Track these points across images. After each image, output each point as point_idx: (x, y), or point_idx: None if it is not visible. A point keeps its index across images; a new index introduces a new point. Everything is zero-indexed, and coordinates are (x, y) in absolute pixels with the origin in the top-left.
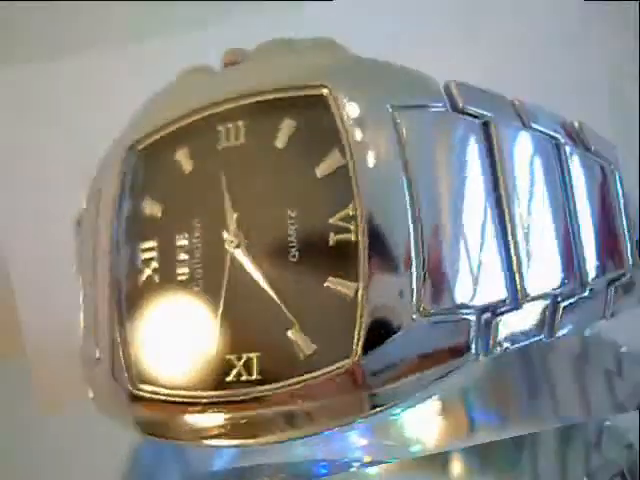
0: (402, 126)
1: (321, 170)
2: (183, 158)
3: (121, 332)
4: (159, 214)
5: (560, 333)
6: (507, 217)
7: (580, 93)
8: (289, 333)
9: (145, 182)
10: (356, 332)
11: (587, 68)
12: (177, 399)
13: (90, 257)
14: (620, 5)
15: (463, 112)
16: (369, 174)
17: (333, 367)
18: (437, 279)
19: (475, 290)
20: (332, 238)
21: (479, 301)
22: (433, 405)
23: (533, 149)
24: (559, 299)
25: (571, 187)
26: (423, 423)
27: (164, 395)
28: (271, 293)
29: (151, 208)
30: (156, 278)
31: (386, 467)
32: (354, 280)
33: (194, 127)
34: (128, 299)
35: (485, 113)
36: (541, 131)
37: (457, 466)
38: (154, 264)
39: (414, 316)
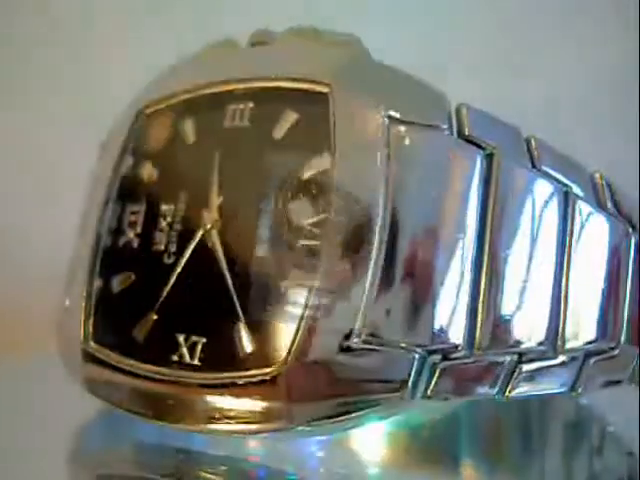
0: (395, 141)
1: (306, 170)
2: (188, 129)
3: (88, 287)
4: (154, 180)
5: (514, 394)
6: (486, 257)
7: (579, 93)
8: (235, 327)
9: (148, 147)
10: (294, 343)
11: (587, 68)
12: (124, 367)
13: (86, 207)
14: (620, 4)
15: (467, 140)
16: (348, 185)
17: (261, 371)
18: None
19: (430, 330)
20: (300, 242)
21: (431, 341)
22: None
23: (535, 192)
24: (523, 359)
25: (569, 243)
26: (393, 450)
27: (113, 360)
28: (228, 282)
29: (148, 173)
30: (135, 243)
31: (390, 468)
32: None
33: (205, 100)
34: (104, 256)
35: (491, 144)
36: (551, 175)
37: (466, 469)
38: (138, 228)
39: (355, 340)
